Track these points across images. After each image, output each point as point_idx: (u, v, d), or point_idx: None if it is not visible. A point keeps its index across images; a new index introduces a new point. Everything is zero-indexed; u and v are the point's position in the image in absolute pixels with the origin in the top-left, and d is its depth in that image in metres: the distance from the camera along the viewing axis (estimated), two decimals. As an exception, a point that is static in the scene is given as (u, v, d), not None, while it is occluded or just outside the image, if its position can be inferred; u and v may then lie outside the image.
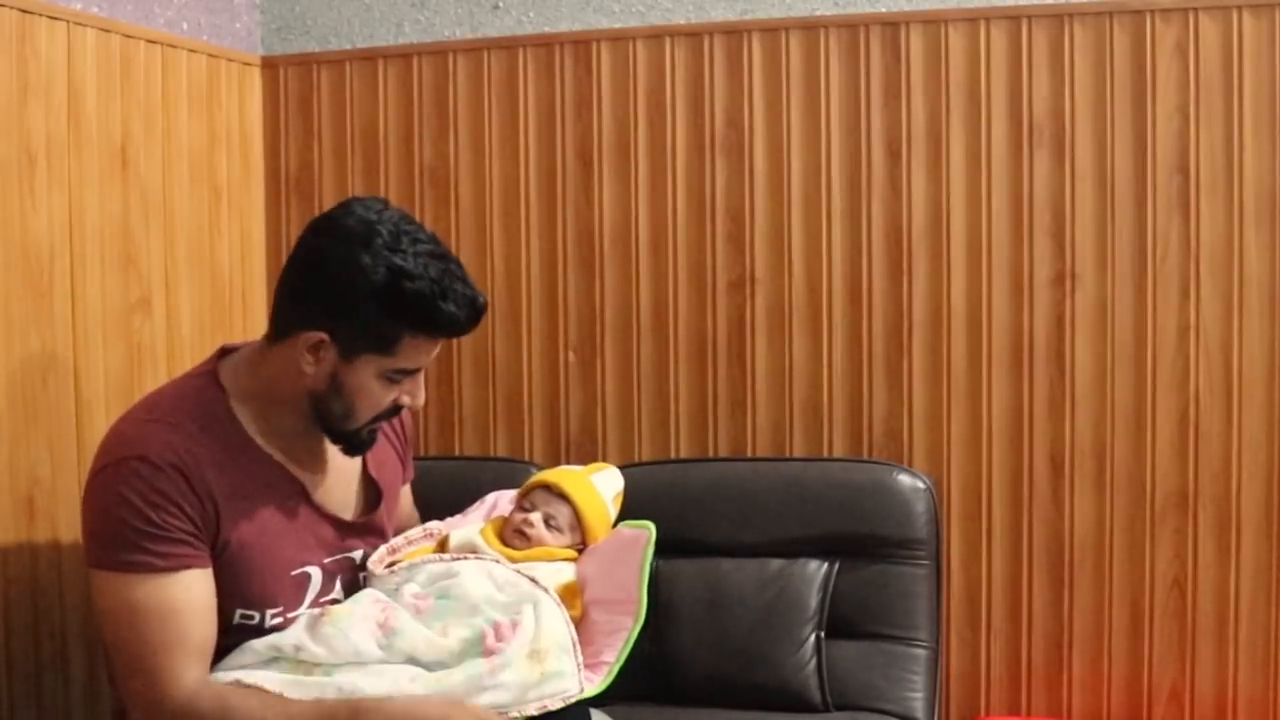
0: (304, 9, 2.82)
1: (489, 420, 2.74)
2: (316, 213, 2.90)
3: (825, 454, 2.57)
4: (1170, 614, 2.44)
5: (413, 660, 1.64)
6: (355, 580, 1.82)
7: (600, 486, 2.04)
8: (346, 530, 1.80)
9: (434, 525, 1.99)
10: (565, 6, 2.69)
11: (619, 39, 2.65)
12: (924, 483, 2.42)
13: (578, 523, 1.98)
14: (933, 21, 2.50)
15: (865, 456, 2.55)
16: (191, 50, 2.57)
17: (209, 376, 1.72)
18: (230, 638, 1.65)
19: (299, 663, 1.63)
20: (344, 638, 1.63)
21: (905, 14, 2.51)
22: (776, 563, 2.36)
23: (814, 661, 2.29)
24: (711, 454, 2.62)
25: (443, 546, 1.94)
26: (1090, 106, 2.44)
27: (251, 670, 1.62)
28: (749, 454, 2.61)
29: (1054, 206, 2.46)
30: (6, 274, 2.11)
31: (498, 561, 1.81)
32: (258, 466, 1.69)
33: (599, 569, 1.88)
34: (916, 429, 2.53)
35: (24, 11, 2.13)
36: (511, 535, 1.92)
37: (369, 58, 2.78)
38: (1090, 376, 2.46)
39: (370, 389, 1.66)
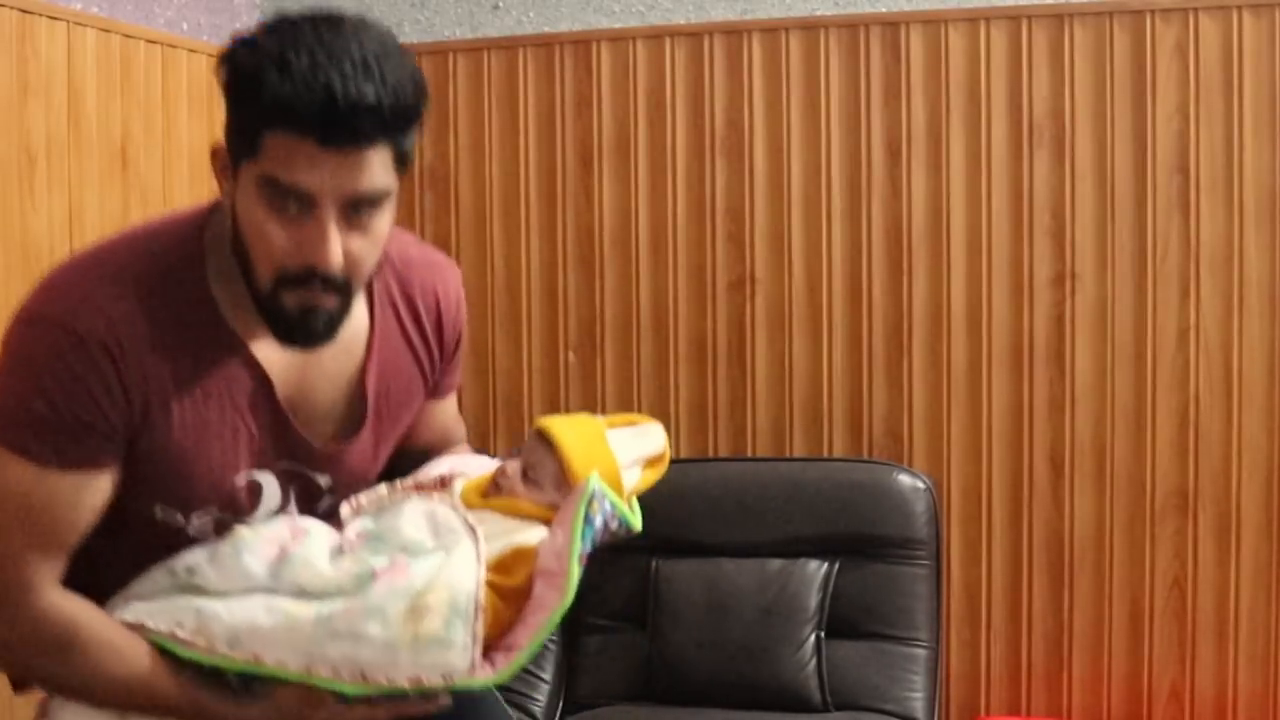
0: (303, 9, 2.82)
1: (489, 420, 2.74)
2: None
3: (825, 454, 2.57)
4: (1170, 614, 2.44)
5: (301, 593, 1.36)
6: (322, 509, 1.49)
7: (617, 444, 1.62)
8: (306, 453, 1.43)
9: (461, 465, 1.61)
10: (565, 6, 2.69)
11: (619, 39, 2.65)
12: (924, 483, 2.42)
13: (564, 481, 1.55)
14: (933, 21, 2.50)
15: (865, 456, 2.55)
16: (191, 50, 2.57)
17: (195, 228, 1.38)
18: (153, 539, 1.38)
19: (193, 587, 1.37)
20: (236, 560, 1.36)
21: (905, 14, 2.51)
22: (776, 563, 2.36)
23: (814, 661, 2.29)
24: (711, 454, 2.62)
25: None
26: (1090, 106, 2.44)
27: (145, 602, 1.37)
28: (749, 454, 2.61)
29: (1054, 206, 2.46)
30: (6, 273, 2.11)
31: (453, 509, 1.47)
32: (219, 353, 1.35)
33: (551, 534, 1.50)
34: (916, 429, 2.53)
35: (24, 11, 2.13)
36: (489, 485, 1.56)
37: (369, 58, 2.78)
38: (1090, 376, 2.46)
39: (255, 216, 1.27)
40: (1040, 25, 2.46)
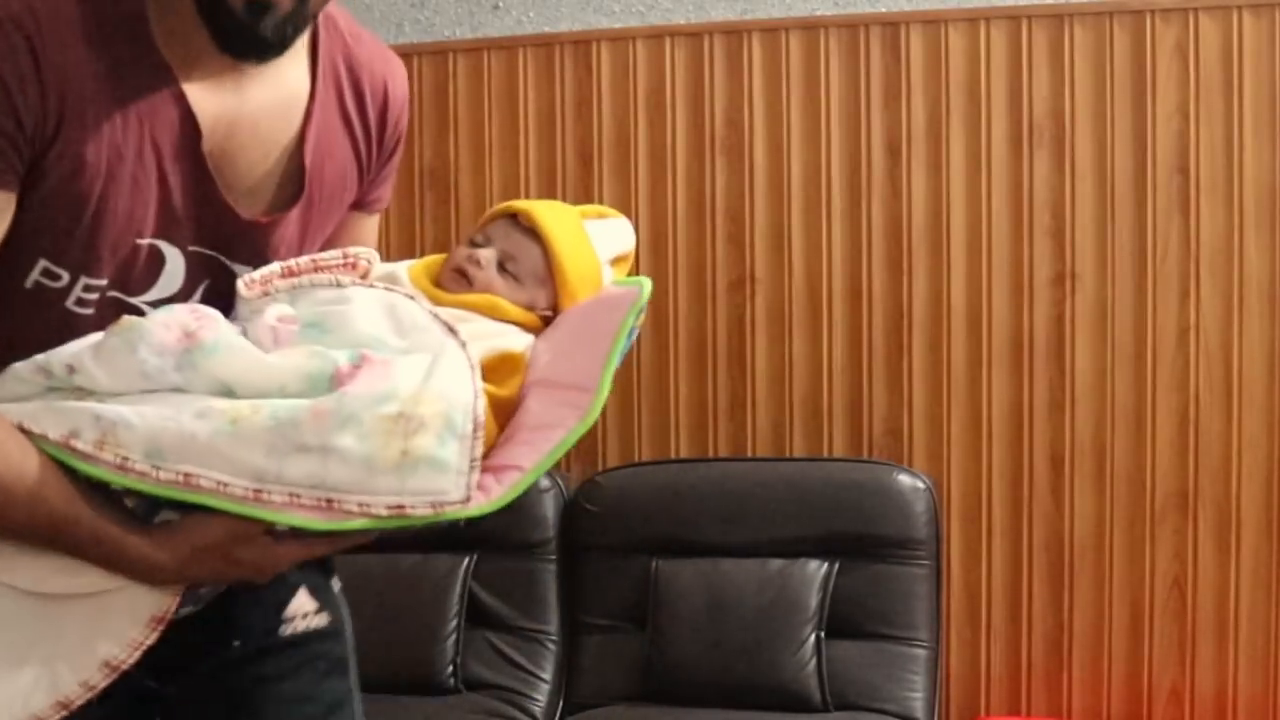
0: (304, 9, 2.82)
1: (489, 420, 2.74)
2: None
3: (825, 454, 2.57)
4: (1170, 614, 2.44)
5: (226, 391, 1.09)
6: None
7: (595, 234, 1.40)
8: (224, 228, 1.18)
9: (362, 251, 1.32)
10: (565, 6, 2.69)
11: (619, 39, 2.65)
12: (924, 483, 2.42)
13: (549, 276, 1.32)
14: (933, 21, 2.50)
15: (865, 456, 2.55)
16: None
17: None
18: (20, 312, 1.13)
19: (76, 389, 1.10)
20: (129, 352, 1.07)
21: (905, 14, 2.51)
22: (776, 563, 2.36)
23: (814, 661, 2.29)
24: (711, 454, 2.62)
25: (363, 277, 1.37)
26: (1090, 106, 2.44)
27: (17, 405, 1.09)
28: (749, 454, 2.61)
29: (1054, 206, 2.46)
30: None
31: (411, 298, 1.23)
32: (145, 79, 1.11)
33: (556, 341, 1.28)
34: (916, 429, 2.53)
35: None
36: (449, 276, 1.31)
37: (369, 58, 2.78)
38: (1090, 376, 2.46)
39: None
40: (1040, 25, 2.46)
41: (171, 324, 1.09)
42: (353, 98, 1.26)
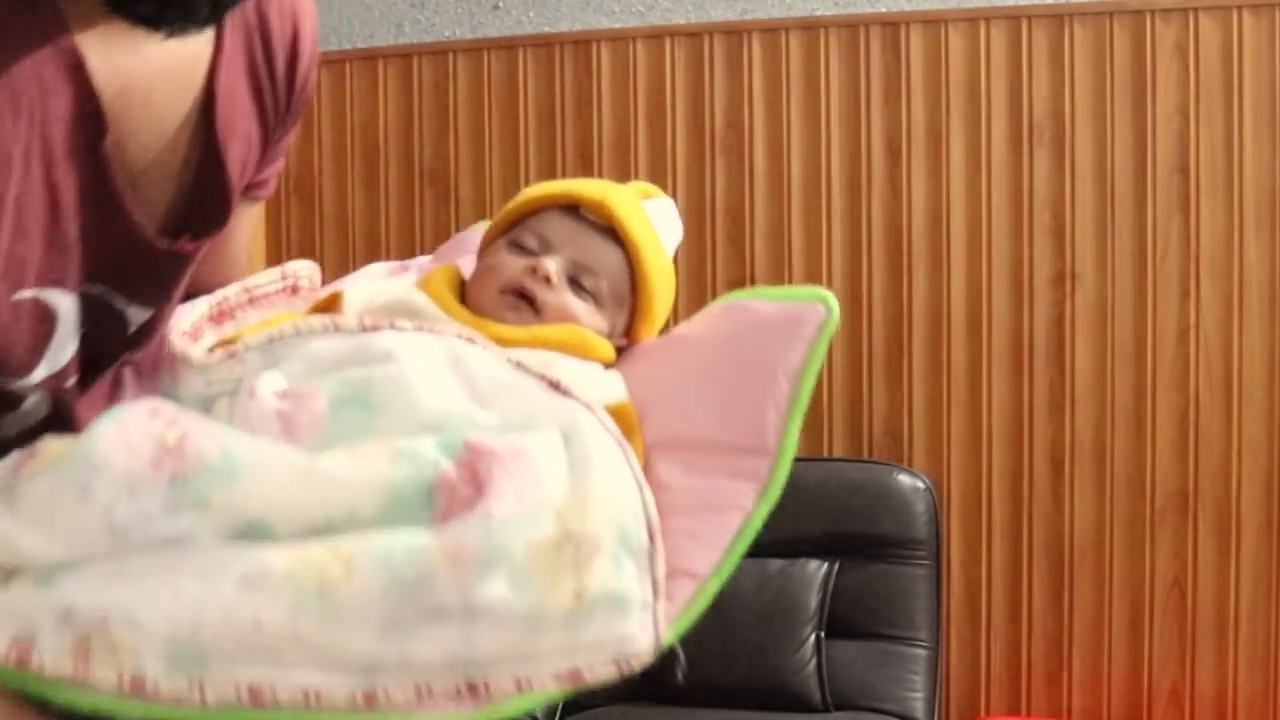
0: (304, 9, 2.83)
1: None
2: (317, 213, 2.93)
3: (825, 454, 2.57)
4: (1170, 614, 2.44)
5: (257, 530, 0.71)
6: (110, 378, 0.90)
7: (660, 227, 1.05)
8: (138, 253, 0.83)
9: (302, 268, 1.04)
10: (565, 6, 2.69)
11: (619, 39, 2.65)
12: (924, 483, 2.42)
13: (630, 292, 1.00)
14: (933, 21, 2.50)
15: (865, 456, 2.55)
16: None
17: None
18: None
19: None
20: (77, 500, 0.69)
21: (905, 14, 2.51)
22: (776, 563, 2.36)
23: (814, 661, 2.29)
24: (711, 454, 2.62)
25: (328, 310, 0.98)
26: (1090, 106, 2.44)
27: None
28: (749, 454, 2.60)
29: (1054, 206, 2.46)
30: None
31: (470, 340, 0.88)
32: (30, 40, 0.74)
33: (671, 384, 0.93)
34: (916, 429, 2.53)
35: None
36: (501, 300, 0.96)
37: (369, 57, 2.78)
38: (1090, 376, 2.46)
39: None
40: (1040, 25, 2.46)
41: (133, 439, 0.70)
42: (261, 46, 0.91)
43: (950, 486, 2.52)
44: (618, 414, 0.86)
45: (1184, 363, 2.42)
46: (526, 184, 2.71)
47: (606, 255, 0.98)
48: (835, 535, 2.38)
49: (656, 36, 2.63)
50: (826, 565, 2.35)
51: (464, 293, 0.99)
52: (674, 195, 2.63)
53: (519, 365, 0.85)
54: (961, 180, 2.50)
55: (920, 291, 2.52)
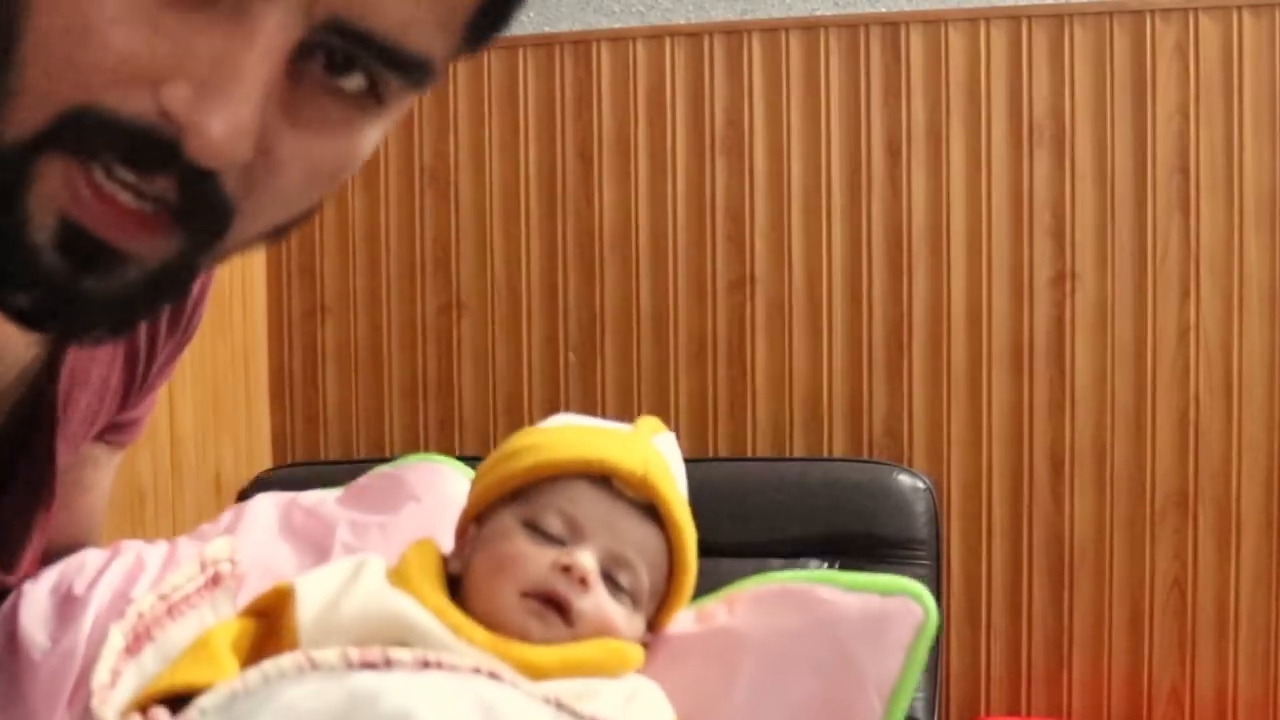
0: (304, 9, 2.83)
1: (489, 421, 2.74)
2: (314, 215, 2.91)
3: (825, 454, 2.57)
4: (1170, 614, 2.44)
5: None
6: None
7: (676, 473, 0.94)
8: None
9: (220, 550, 0.86)
10: (565, 6, 2.69)
11: (619, 39, 2.65)
12: (924, 483, 2.42)
13: (665, 581, 0.88)
14: (933, 21, 2.50)
15: (865, 456, 2.55)
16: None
17: None
18: None
19: None
20: None
21: (905, 14, 2.51)
22: (776, 563, 2.36)
23: (814, 662, 2.29)
24: (711, 454, 2.62)
25: (270, 615, 0.81)
26: (1090, 106, 2.44)
27: None
28: (749, 454, 2.61)
29: (1054, 206, 2.46)
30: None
31: (495, 677, 0.72)
32: None
33: (743, 693, 0.79)
34: (916, 429, 2.53)
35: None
36: (523, 606, 0.79)
37: (369, 58, 2.78)
38: (1090, 376, 2.46)
39: None
40: (1040, 25, 2.46)
41: None
42: None
43: (950, 486, 2.52)
44: None
45: (1184, 363, 2.42)
46: (527, 184, 2.71)
47: (649, 544, 0.83)
48: (835, 535, 2.37)
49: (656, 36, 2.63)
50: (826, 565, 2.35)
51: (452, 583, 0.81)
52: (674, 195, 2.64)
53: (560, 707, 0.69)
54: (961, 180, 2.50)
55: (920, 291, 2.52)
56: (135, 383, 0.81)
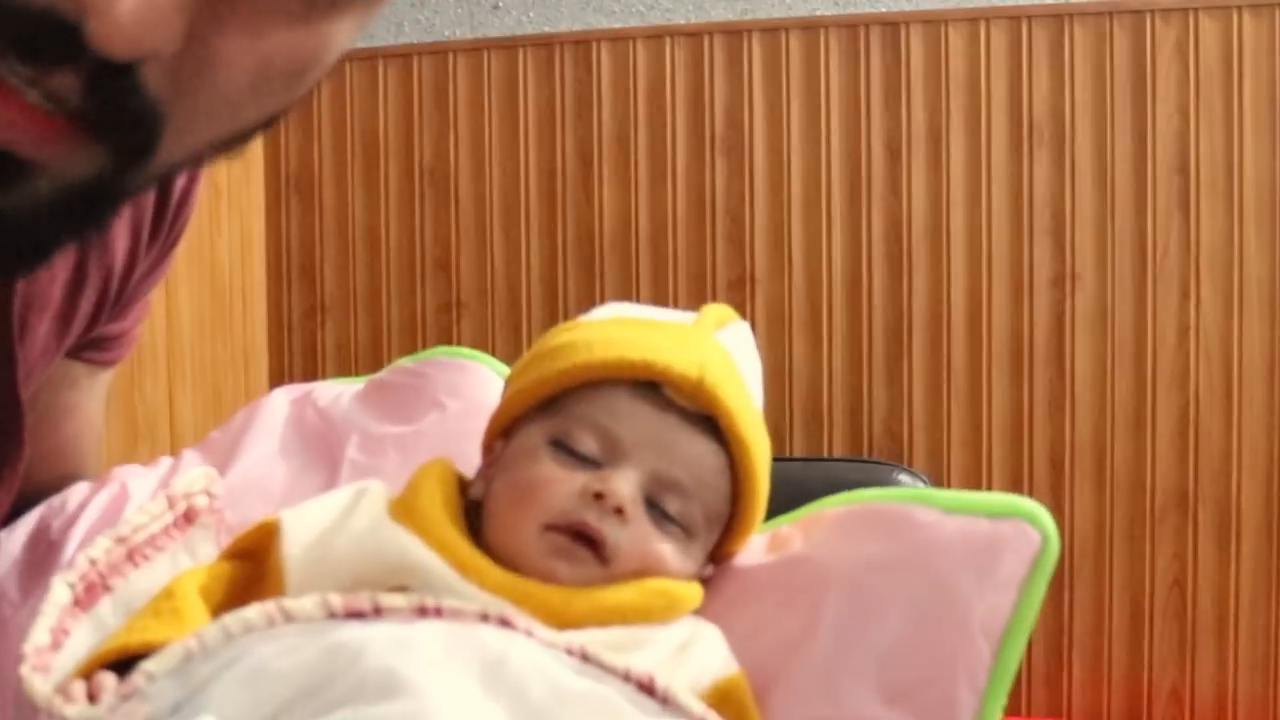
0: (304, 9, 2.83)
1: (489, 420, 2.74)
2: (317, 213, 2.93)
3: (825, 454, 2.57)
4: (1170, 614, 2.44)
5: None
6: None
7: (746, 371, 0.77)
8: None
9: (195, 482, 0.75)
10: (565, 7, 2.69)
11: (619, 39, 2.65)
12: (924, 483, 2.42)
13: (728, 505, 0.74)
14: (933, 21, 2.50)
15: (865, 456, 2.55)
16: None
17: None
18: None
19: None
20: None
21: (905, 14, 2.51)
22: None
23: (814, 662, 2.29)
24: (711, 454, 2.62)
25: (256, 557, 0.71)
26: (1090, 106, 2.44)
27: None
28: (749, 454, 2.60)
29: (1054, 206, 2.46)
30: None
31: (507, 625, 0.59)
32: None
33: (819, 633, 0.66)
34: (916, 429, 2.53)
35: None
36: (546, 542, 0.67)
37: (369, 57, 2.78)
38: (1090, 376, 2.46)
39: None
40: (1040, 25, 2.46)
41: None
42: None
43: (950, 486, 2.52)
44: (726, 696, 0.63)
45: (1184, 362, 2.42)
46: (527, 185, 2.72)
47: (706, 463, 0.69)
48: (835, 535, 2.37)
49: (656, 37, 2.63)
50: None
51: (471, 514, 0.69)
52: (674, 195, 2.64)
53: (586, 659, 0.57)
54: (962, 180, 2.50)
55: (920, 292, 2.53)
56: (109, 298, 0.70)
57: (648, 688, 0.57)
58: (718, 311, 0.78)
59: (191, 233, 2.52)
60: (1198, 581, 2.43)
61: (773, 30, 2.58)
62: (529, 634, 0.58)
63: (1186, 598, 2.43)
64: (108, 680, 0.59)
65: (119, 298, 0.70)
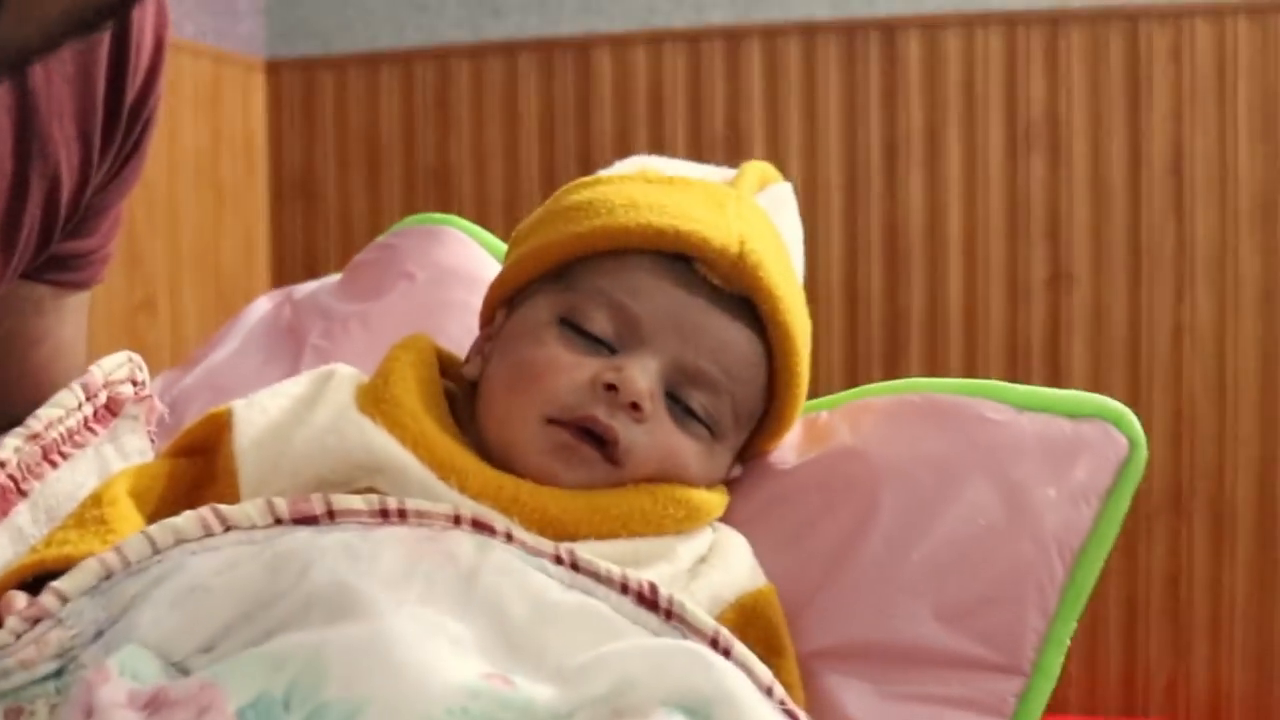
0: (307, 12, 2.85)
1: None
2: (319, 215, 2.95)
3: (823, 453, 2.58)
4: (1165, 611, 2.46)
5: None
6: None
7: (789, 235, 0.73)
8: None
9: (116, 368, 0.68)
10: (565, 10, 2.71)
11: (619, 43, 2.67)
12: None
13: (768, 398, 0.69)
14: (929, 25, 2.52)
15: (863, 456, 2.56)
16: (195, 53, 2.59)
17: None
18: None
19: None
20: None
21: (902, 18, 2.53)
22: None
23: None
24: (711, 453, 2.63)
25: (206, 453, 0.61)
26: (1085, 109, 2.46)
27: None
28: (748, 453, 2.62)
29: (1049, 208, 2.48)
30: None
31: (484, 528, 0.49)
32: None
33: (868, 543, 0.58)
34: (914, 428, 2.55)
35: (31, 15, 2.15)
36: (547, 436, 0.57)
37: (371, 61, 2.80)
38: (1085, 376, 2.47)
39: None
40: (1035, 29, 2.48)
41: None
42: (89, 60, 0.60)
43: (947, 485, 2.54)
44: (752, 613, 0.54)
45: (1178, 362, 2.44)
46: (529, 188, 2.73)
47: (738, 351, 0.59)
48: (833, 533, 2.39)
49: (656, 40, 2.65)
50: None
51: (461, 399, 0.59)
52: (673, 197, 2.65)
53: (576, 568, 0.47)
54: (958, 182, 2.52)
55: (917, 292, 2.54)
56: (59, 211, 0.62)
57: (649, 600, 0.47)
58: (759, 169, 0.66)
59: (196, 234, 2.52)
60: (1192, 578, 2.44)
61: (771, 34, 2.60)
62: (509, 539, 0.48)
63: (1181, 594, 2.45)
64: (17, 601, 0.48)
65: (73, 211, 0.62)
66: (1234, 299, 2.41)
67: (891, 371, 2.55)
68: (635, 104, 2.66)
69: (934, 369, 2.53)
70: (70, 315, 0.71)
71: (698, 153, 2.64)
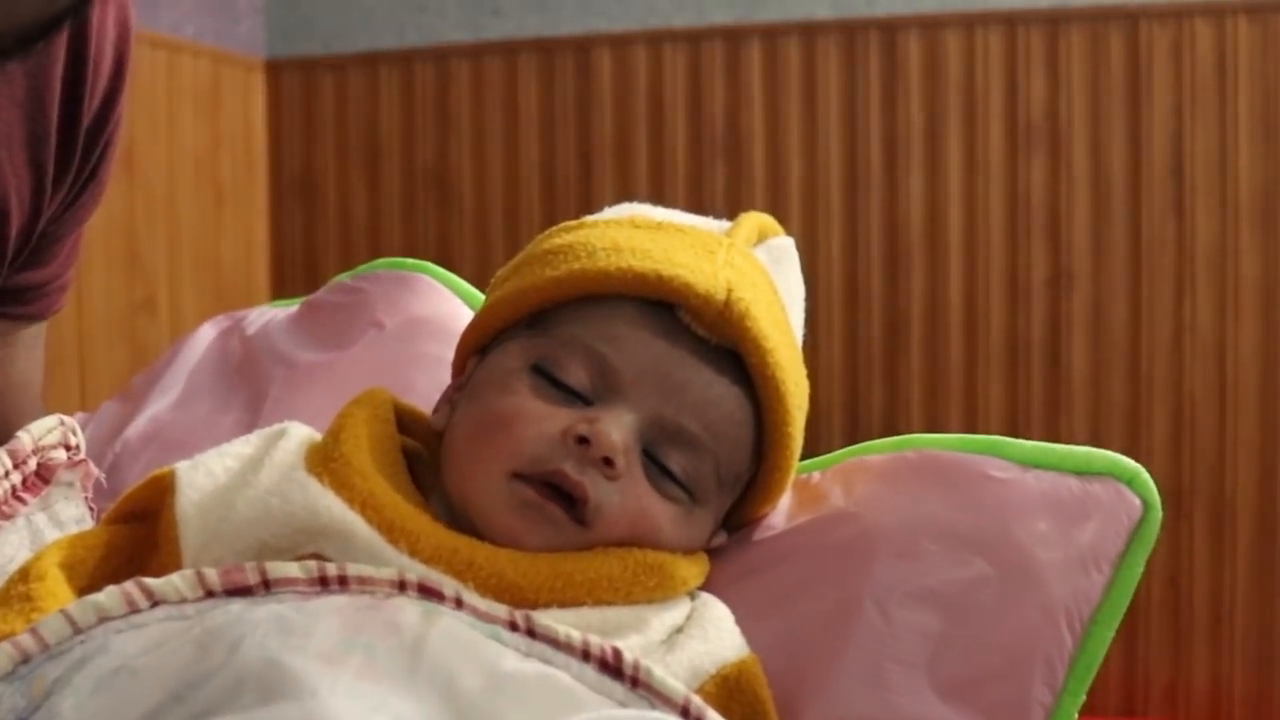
0: (307, 12, 2.85)
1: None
2: (319, 215, 2.95)
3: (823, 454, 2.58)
4: (1166, 611, 2.46)
5: None
6: None
7: (789, 295, 0.72)
8: None
9: (46, 434, 0.60)
10: (565, 10, 2.71)
11: (619, 43, 2.67)
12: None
13: (756, 459, 0.63)
14: (929, 25, 2.52)
15: (863, 456, 2.56)
16: (195, 53, 2.59)
17: None
18: None
19: None
20: None
21: (902, 17, 2.53)
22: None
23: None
24: (711, 453, 2.63)
25: (149, 519, 0.56)
26: (1085, 109, 2.46)
27: None
28: (748, 453, 2.62)
29: (1050, 208, 2.48)
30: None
31: (432, 594, 0.46)
32: None
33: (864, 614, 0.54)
34: (914, 428, 2.55)
35: (30, 15, 2.14)
36: (513, 494, 0.53)
37: (371, 61, 2.80)
38: (1086, 375, 2.48)
39: None
40: (1035, 29, 2.48)
41: None
42: (46, 83, 0.57)
43: (947, 485, 2.54)
44: (735, 685, 0.50)
45: (1178, 361, 2.44)
46: (529, 188, 2.74)
47: (724, 408, 0.54)
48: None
49: (656, 40, 2.65)
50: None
51: (421, 459, 0.56)
52: (674, 198, 2.65)
53: (533, 634, 0.43)
54: (958, 181, 2.52)
55: (918, 292, 2.54)
56: (7, 248, 0.58)
57: (613, 667, 0.43)
58: (758, 220, 0.60)
59: (196, 234, 2.52)
60: (1193, 578, 2.45)
61: (771, 34, 2.60)
62: (458, 605, 0.44)
63: (1181, 594, 2.45)
64: None
65: (25, 243, 0.58)
66: (1234, 299, 2.41)
67: (892, 371, 2.55)
68: (635, 104, 2.66)
69: (934, 369, 2.54)
70: (24, 350, 0.65)
71: (698, 152, 2.64)
